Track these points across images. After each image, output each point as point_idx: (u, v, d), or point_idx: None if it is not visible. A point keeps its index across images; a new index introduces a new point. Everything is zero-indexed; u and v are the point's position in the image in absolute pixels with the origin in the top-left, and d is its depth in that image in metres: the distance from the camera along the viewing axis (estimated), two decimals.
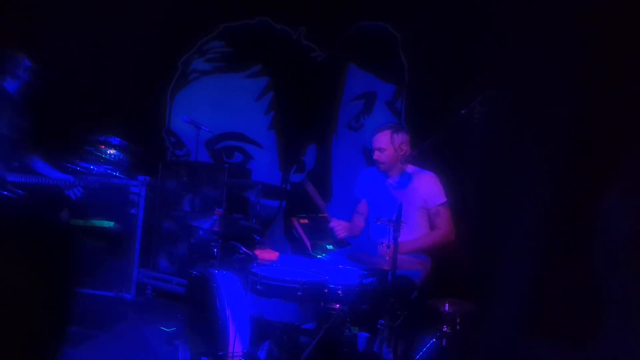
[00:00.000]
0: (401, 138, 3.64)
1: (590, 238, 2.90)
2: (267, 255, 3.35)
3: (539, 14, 3.61)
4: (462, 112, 3.26)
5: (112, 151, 4.82)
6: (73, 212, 4.65)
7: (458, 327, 2.92)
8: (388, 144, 3.60)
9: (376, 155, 3.66)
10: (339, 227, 3.78)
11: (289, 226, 4.76)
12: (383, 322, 2.91)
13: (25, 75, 3.65)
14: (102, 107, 5.20)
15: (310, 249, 4.22)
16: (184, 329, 3.36)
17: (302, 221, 4.39)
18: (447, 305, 2.93)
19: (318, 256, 3.87)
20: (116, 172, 4.65)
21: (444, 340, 2.93)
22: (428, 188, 3.63)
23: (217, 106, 5.46)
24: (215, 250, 3.43)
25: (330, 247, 4.28)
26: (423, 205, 3.64)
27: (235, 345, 2.94)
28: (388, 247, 2.99)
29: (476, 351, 3.27)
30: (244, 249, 3.26)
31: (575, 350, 3.26)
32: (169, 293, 4.62)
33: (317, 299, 2.94)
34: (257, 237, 3.64)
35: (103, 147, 4.79)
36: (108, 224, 4.71)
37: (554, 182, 3.61)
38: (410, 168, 3.73)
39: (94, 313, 4.24)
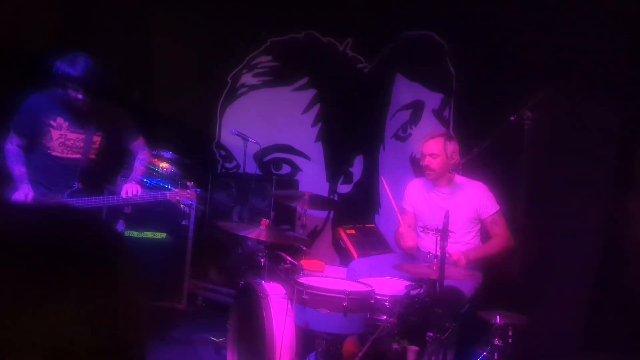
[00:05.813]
0: (453, 147, 3.61)
1: None
2: (313, 265, 3.35)
3: (592, 16, 3.48)
4: (512, 119, 3.18)
5: (164, 164, 4.96)
6: (128, 224, 4.80)
7: (510, 340, 2.82)
8: (441, 150, 3.56)
9: (427, 161, 3.59)
10: (408, 235, 3.62)
11: (336, 237, 4.74)
12: (431, 334, 2.85)
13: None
14: (154, 121, 5.35)
15: (356, 259, 4.19)
16: (232, 339, 3.39)
17: (348, 231, 4.38)
18: (498, 317, 2.84)
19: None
20: (168, 185, 4.78)
21: (496, 354, 2.84)
22: (480, 198, 3.56)
23: (265, 119, 5.53)
24: (262, 260, 3.45)
25: None
26: (475, 216, 3.57)
27: (282, 356, 2.94)
28: (435, 257, 2.93)
29: None
30: (289, 259, 3.26)
31: None
32: (218, 303, 4.68)
33: (363, 310, 2.91)
34: (304, 247, 3.65)
35: (156, 160, 4.93)
36: (161, 235, 4.82)
37: (609, 190, 3.46)
38: (458, 178, 3.67)
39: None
